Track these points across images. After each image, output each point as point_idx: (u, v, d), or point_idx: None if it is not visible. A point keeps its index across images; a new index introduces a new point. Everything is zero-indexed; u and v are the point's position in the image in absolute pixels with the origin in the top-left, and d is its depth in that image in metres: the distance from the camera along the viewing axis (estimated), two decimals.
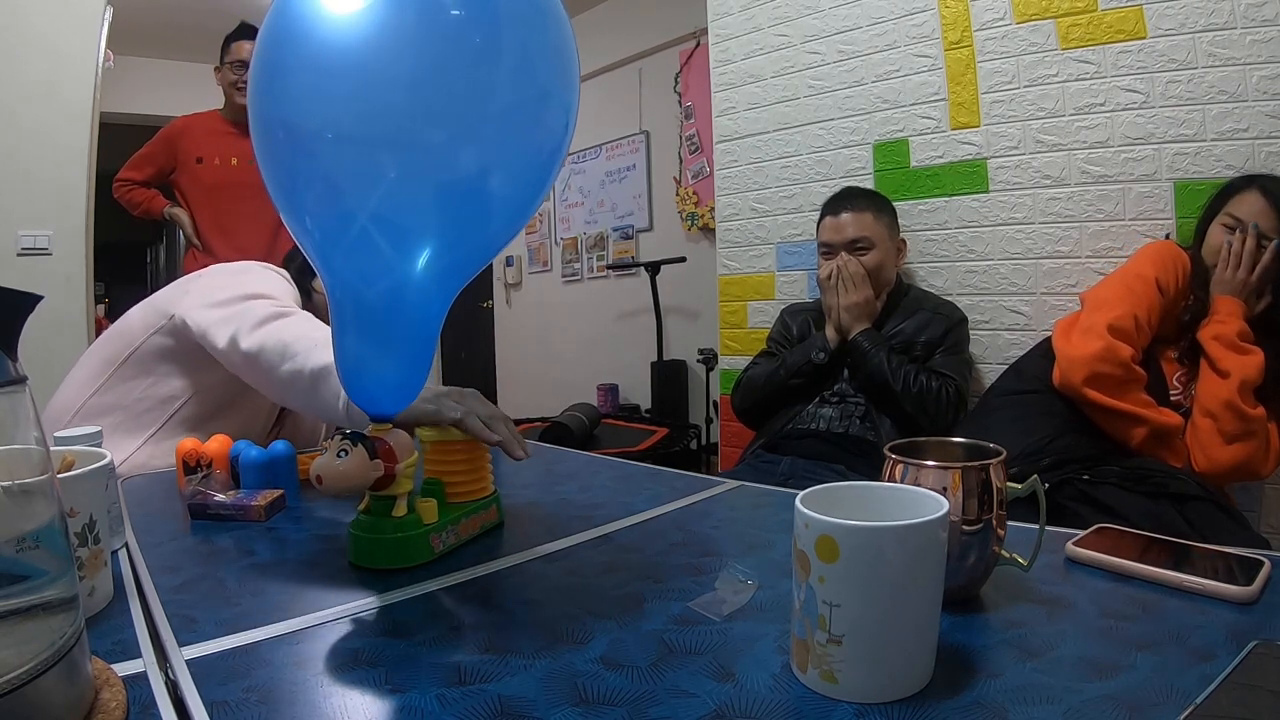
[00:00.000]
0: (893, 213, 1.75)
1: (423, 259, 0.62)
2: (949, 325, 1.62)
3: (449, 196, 0.61)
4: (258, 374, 1.02)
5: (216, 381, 1.18)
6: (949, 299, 1.75)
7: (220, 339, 1.06)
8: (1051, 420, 1.33)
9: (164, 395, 1.18)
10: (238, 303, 1.09)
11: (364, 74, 0.57)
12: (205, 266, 2.20)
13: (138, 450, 1.16)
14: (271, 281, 1.18)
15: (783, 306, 1.91)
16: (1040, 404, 1.36)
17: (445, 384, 0.87)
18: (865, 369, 1.56)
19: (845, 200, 1.72)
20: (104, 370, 1.19)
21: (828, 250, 1.69)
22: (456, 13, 0.59)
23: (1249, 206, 1.32)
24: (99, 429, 0.87)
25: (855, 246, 1.65)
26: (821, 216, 1.75)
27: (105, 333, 1.26)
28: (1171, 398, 1.33)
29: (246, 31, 2.44)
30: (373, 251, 0.61)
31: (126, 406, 1.17)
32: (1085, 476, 1.22)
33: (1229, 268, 1.31)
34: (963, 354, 1.63)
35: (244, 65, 2.40)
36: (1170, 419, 1.27)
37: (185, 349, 1.16)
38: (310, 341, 0.94)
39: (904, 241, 1.77)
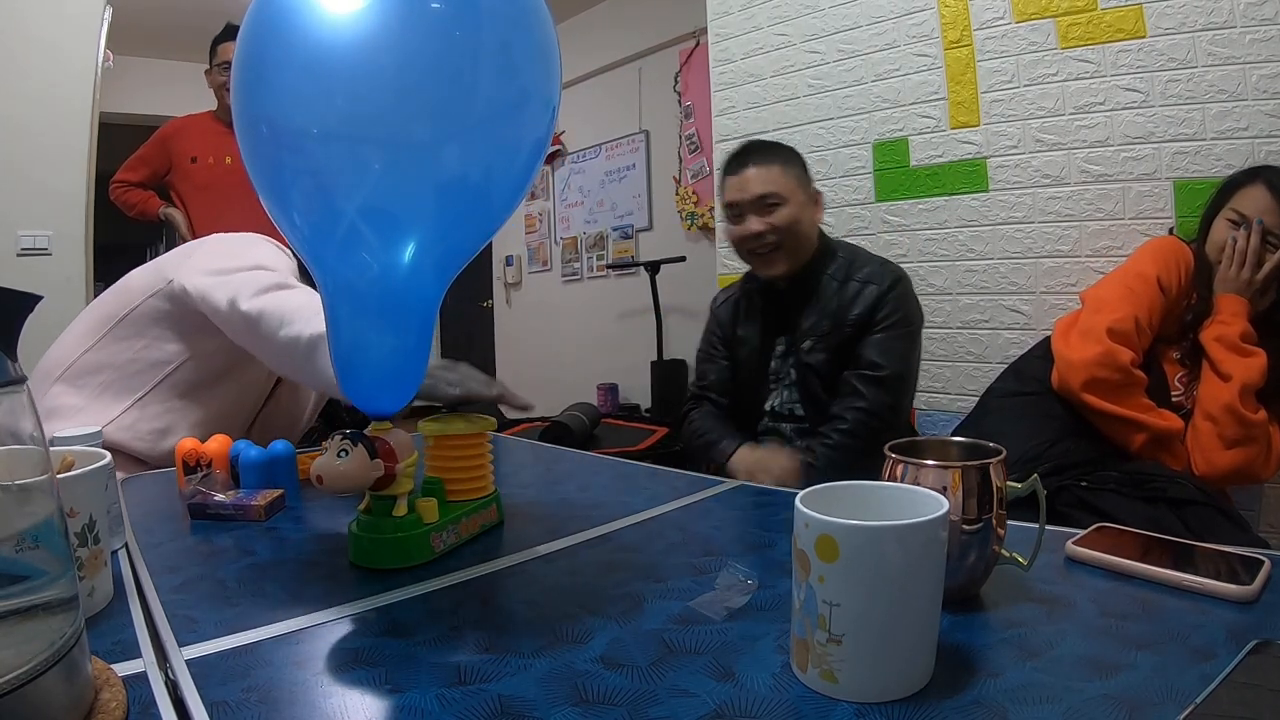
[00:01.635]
0: (802, 164, 1.52)
1: (414, 251, 0.63)
2: (880, 293, 1.39)
3: (435, 190, 0.62)
4: (256, 338, 1.03)
5: (210, 351, 1.17)
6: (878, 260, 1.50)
7: (220, 301, 1.06)
8: (1051, 423, 1.32)
9: (156, 359, 1.18)
10: (240, 272, 1.09)
11: (347, 70, 0.58)
12: None
13: (124, 413, 1.16)
14: (273, 255, 1.18)
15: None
16: (1040, 406, 1.35)
17: None
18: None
19: (745, 154, 1.50)
20: (99, 328, 1.19)
21: (735, 213, 1.48)
22: (437, 6, 0.59)
23: (1254, 201, 1.31)
24: (99, 429, 0.87)
25: (764, 203, 1.43)
26: (722, 179, 1.53)
27: (106, 291, 1.26)
28: (1173, 399, 1.32)
29: (232, 33, 2.45)
30: (362, 245, 0.62)
31: (118, 366, 1.17)
32: (1083, 483, 1.21)
33: (1233, 265, 1.29)
34: (904, 328, 1.39)
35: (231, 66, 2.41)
36: (1170, 423, 1.26)
37: (181, 314, 1.16)
38: (310, 310, 0.95)
39: (819, 193, 1.53)
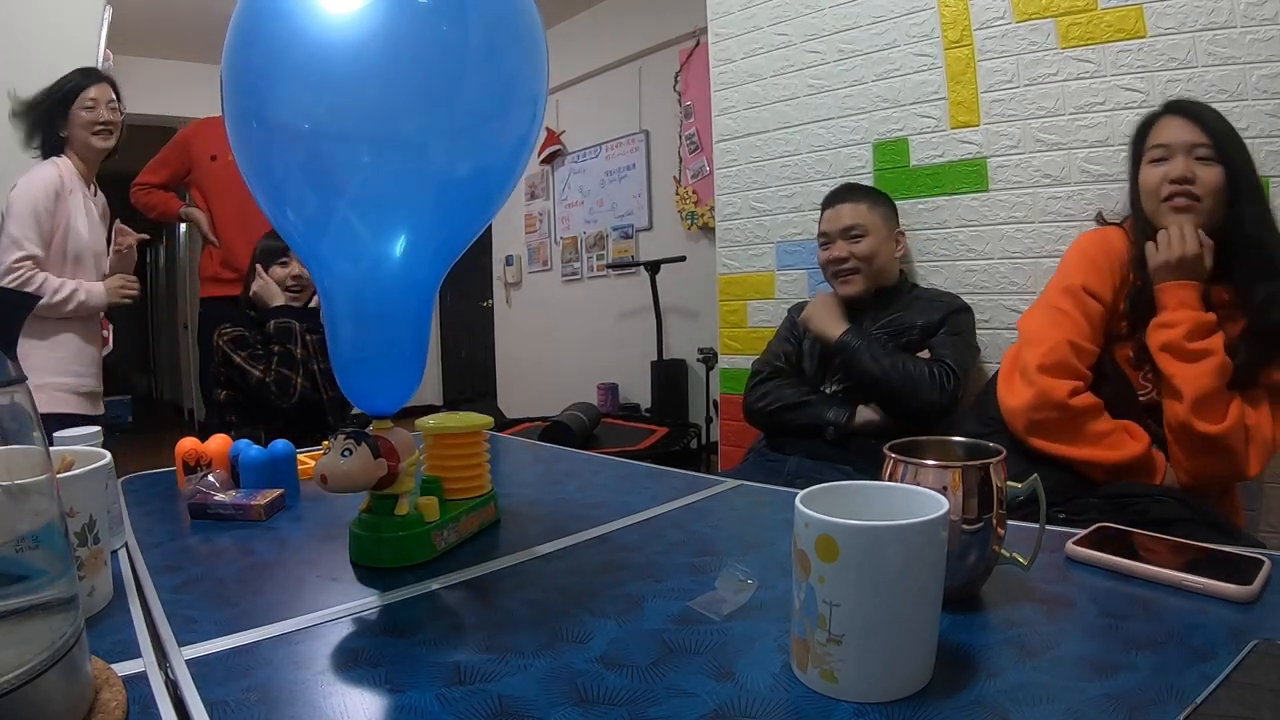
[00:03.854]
0: (889, 205, 1.76)
1: (407, 245, 0.63)
2: (947, 311, 1.62)
3: (426, 183, 0.62)
4: None
5: None
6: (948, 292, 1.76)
7: None
8: (1018, 458, 1.20)
9: None
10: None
11: (336, 64, 0.58)
12: (220, 262, 2.40)
13: None
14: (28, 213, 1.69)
15: (786, 305, 1.92)
16: (1003, 440, 1.25)
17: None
18: (856, 368, 1.57)
19: (841, 193, 1.78)
20: None
21: (825, 240, 1.74)
22: (425, 1, 0.59)
23: (1171, 131, 1.22)
24: (99, 429, 0.87)
25: (849, 233, 1.69)
26: (821, 212, 1.79)
27: None
28: (1141, 398, 1.21)
29: None
30: (355, 240, 0.62)
31: None
32: (1061, 515, 1.14)
33: (1168, 246, 1.15)
34: (963, 336, 1.61)
35: None
36: (1127, 451, 1.15)
37: None
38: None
39: (902, 234, 1.78)
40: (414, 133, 0.60)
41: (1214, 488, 1.23)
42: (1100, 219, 1.41)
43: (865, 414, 1.57)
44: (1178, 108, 1.25)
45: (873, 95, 1.93)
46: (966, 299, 1.74)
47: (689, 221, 3.80)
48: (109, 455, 0.62)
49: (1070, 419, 1.17)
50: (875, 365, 1.53)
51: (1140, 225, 1.25)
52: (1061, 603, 0.57)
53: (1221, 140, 1.20)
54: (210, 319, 2.57)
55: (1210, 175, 1.18)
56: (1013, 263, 1.73)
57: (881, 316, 1.66)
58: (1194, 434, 1.11)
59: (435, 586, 0.64)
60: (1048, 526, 0.61)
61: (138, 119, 4.53)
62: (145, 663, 0.50)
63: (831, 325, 1.63)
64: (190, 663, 0.49)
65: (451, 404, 5.81)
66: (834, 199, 1.77)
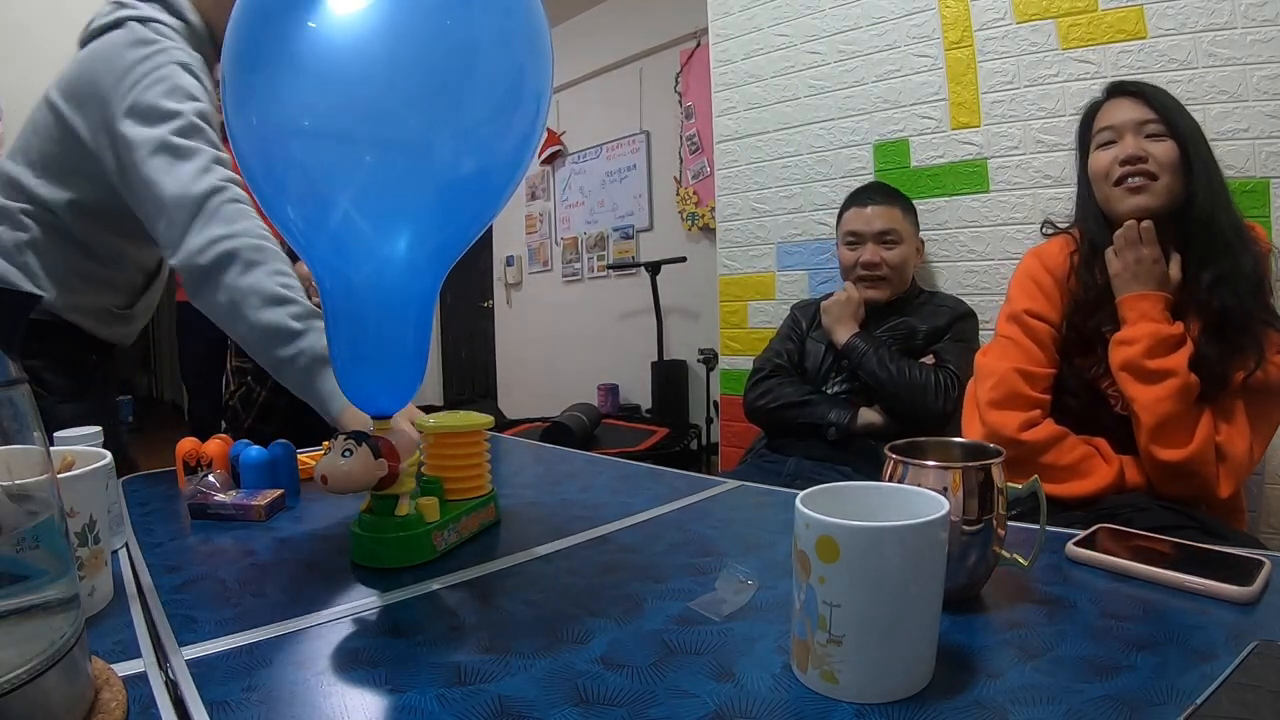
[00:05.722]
0: (915, 212, 1.75)
1: (409, 243, 0.63)
2: (953, 317, 1.62)
3: (429, 181, 0.62)
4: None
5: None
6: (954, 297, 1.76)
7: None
8: None
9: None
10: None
11: (338, 60, 0.58)
12: None
13: None
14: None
15: (789, 303, 1.92)
16: None
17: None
18: (863, 371, 1.58)
19: (873, 193, 1.73)
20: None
21: (854, 240, 1.70)
22: None
23: (1117, 112, 1.16)
24: (99, 429, 0.87)
25: (884, 238, 1.66)
26: (847, 207, 1.74)
27: None
28: (1118, 411, 1.13)
29: None
30: (356, 238, 0.62)
31: None
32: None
33: (1123, 251, 1.09)
34: (968, 343, 1.61)
35: None
36: (1098, 481, 1.09)
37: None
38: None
39: (922, 242, 1.78)
40: (418, 127, 0.59)
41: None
42: (1048, 226, 1.32)
43: (868, 416, 1.57)
44: (1121, 88, 1.18)
45: (873, 96, 1.94)
46: (967, 300, 1.75)
47: (689, 222, 3.80)
48: (109, 455, 0.62)
49: (1026, 454, 1.11)
50: (882, 370, 1.54)
51: (1091, 223, 1.19)
52: (1062, 604, 0.57)
53: (1171, 115, 1.13)
54: (184, 322, 2.67)
55: (1163, 150, 1.11)
56: (1013, 264, 1.72)
57: (888, 320, 1.65)
58: (1155, 461, 1.06)
59: (435, 587, 0.64)
60: (1048, 528, 0.61)
61: None
62: (145, 663, 0.50)
63: (843, 325, 1.63)
64: (190, 663, 0.49)
65: (452, 404, 5.81)
66: (864, 198, 1.72)
